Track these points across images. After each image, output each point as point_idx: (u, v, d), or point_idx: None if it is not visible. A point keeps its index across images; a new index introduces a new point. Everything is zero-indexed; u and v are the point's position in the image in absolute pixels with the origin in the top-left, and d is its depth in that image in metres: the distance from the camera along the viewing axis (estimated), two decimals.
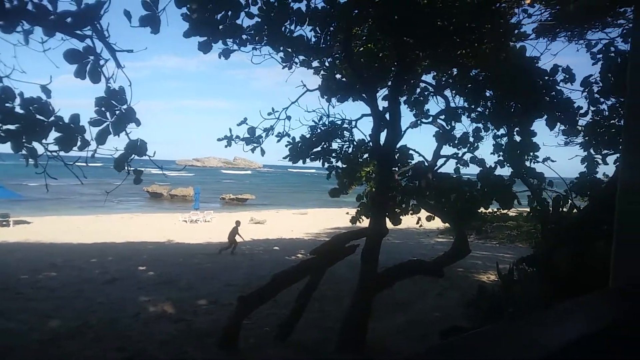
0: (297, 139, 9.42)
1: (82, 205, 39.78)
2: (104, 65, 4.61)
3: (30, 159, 4.33)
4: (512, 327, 1.28)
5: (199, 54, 6.79)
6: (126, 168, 5.37)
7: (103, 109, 4.65)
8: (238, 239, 17.96)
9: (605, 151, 7.24)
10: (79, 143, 4.74)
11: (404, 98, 9.88)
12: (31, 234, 21.97)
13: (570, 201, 7.35)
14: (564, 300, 1.66)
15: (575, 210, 7.29)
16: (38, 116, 4.37)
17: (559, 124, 7.16)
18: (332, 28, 7.62)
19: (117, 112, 4.88)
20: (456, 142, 9.35)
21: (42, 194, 40.42)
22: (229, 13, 6.29)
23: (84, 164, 4.92)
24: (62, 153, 4.57)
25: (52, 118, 4.43)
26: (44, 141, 4.52)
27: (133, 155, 5.38)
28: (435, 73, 9.64)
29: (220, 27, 6.72)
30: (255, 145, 8.85)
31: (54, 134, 4.49)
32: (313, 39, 7.71)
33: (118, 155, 5.19)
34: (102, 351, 7.47)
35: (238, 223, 18.38)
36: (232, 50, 7.36)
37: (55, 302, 10.02)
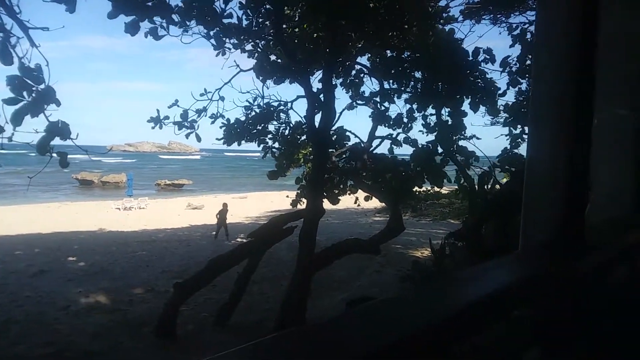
0: (232, 121, 9.27)
1: (3, 195, 37.11)
2: (16, 45, 4.31)
3: None
4: (418, 293, 1.36)
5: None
6: (49, 152, 5.08)
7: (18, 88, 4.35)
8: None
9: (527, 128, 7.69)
10: None
11: (340, 80, 9.95)
12: None
13: (493, 177, 7.79)
14: None
15: (498, 186, 7.73)
16: None
17: (481, 105, 7.52)
18: (263, 9, 7.51)
19: (34, 92, 4.58)
20: (391, 123, 9.55)
21: None
22: None
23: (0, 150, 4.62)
24: None
25: None
26: None
27: (55, 138, 5.10)
28: (369, 55, 9.75)
29: (149, 3, 6.44)
30: (189, 130, 8.61)
31: None
32: (245, 22, 7.56)
33: (39, 139, 4.89)
34: (29, 347, 7.12)
35: (225, 205, 18.01)
36: (161, 32, 7.08)
37: None
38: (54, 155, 4.97)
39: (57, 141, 5.11)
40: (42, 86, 4.94)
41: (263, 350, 0.80)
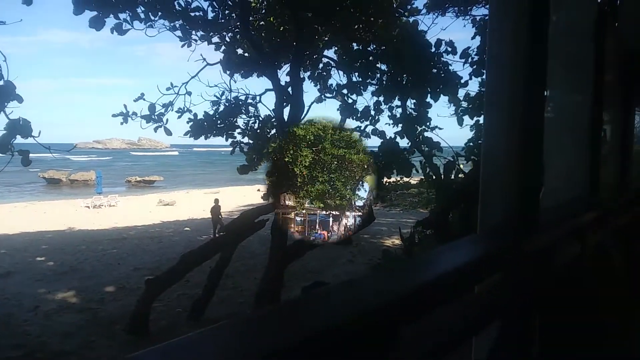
0: (200, 115, 9.21)
1: None
2: None
3: None
4: (374, 276, 1.42)
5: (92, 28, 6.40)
6: (11, 150, 4.98)
7: None
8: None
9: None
10: None
11: (308, 73, 9.98)
12: None
13: (457, 167, 7.99)
14: None
15: (461, 175, 7.93)
16: None
17: (442, 95, 7.68)
18: (229, 1, 7.48)
19: None
20: (359, 115, 9.63)
21: None
22: None
23: None
24: None
25: None
26: None
27: (17, 136, 5.00)
28: (336, 48, 9.80)
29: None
30: (158, 124, 8.52)
31: None
32: (211, 14, 7.53)
33: None
34: None
35: (217, 201, 17.73)
36: (125, 26, 7.00)
37: None
38: (16, 153, 4.88)
39: (22, 140, 5.02)
40: (1, 82, 4.84)
41: (216, 335, 0.82)
